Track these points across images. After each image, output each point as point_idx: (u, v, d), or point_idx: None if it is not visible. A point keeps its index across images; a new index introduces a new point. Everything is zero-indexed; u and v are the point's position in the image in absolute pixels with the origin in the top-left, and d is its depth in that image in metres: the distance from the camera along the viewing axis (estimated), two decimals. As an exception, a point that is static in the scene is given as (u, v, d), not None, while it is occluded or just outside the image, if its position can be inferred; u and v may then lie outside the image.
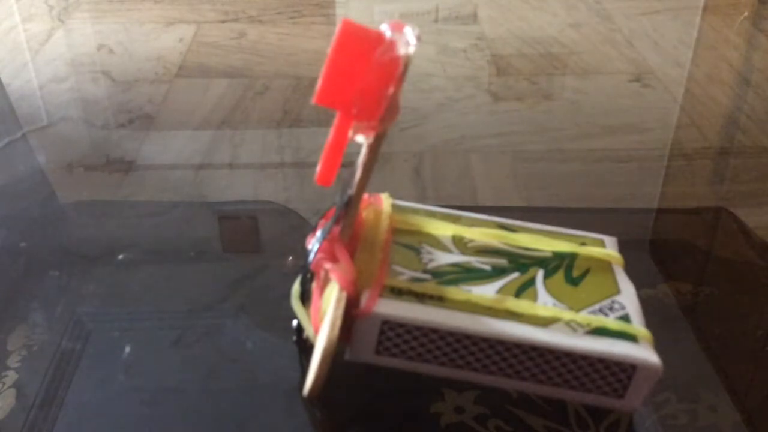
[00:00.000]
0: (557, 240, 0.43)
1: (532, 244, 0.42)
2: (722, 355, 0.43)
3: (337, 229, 0.38)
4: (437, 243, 0.41)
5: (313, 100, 0.32)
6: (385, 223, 0.41)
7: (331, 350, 0.35)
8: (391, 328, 0.36)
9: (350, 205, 0.37)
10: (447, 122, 0.66)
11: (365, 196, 0.41)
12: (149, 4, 0.90)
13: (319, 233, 0.38)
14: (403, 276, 0.38)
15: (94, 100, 0.70)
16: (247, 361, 0.42)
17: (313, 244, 0.38)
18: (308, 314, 0.39)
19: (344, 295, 0.36)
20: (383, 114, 0.33)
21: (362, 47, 0.32)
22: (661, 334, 0.38)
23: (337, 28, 0.32)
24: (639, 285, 0.41)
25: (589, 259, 0.42)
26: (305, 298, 0.39)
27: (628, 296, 0.40)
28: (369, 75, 0.32)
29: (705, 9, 0.90)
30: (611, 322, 0.37)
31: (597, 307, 0.38)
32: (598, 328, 0.37)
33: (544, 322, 0.37)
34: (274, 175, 0.59)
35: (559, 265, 0.41)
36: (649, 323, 0.38)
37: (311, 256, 0.37)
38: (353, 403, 0.40)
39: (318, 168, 0.34)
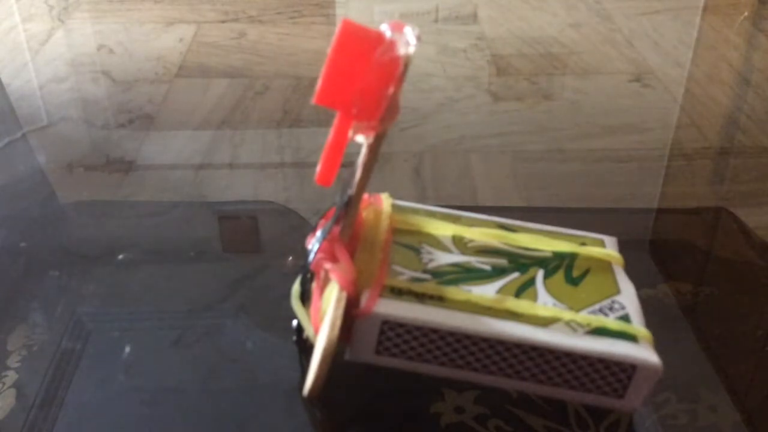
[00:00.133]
0: (557, 240, 0.43)
1: (532, 244, 0.42)
2: (722, 355, 0.43)
3: (337, 229, 0.38)
4: (437, 243, 0.41)
5: (313, 100, 0.32)
6: (385, 223, 0.41)
7: (331, 350, 0.35)
8: (391, 328, 0.36)
9: (350, 205, 0.37)
10: (447, 122, 0.66)
11: (365, 196, 0.41)
12: (149, 4, 0.90)
13: (319, 233, 0.38)
14: (403, 276, 0.38)
15: (94, 100, 0.70)
16: (247, 361, 0.42)
17: (313, 244, 0.38)
18: (308, 314, 0.39)
19: (344, 295, 0.36)
20: (383, 114, 0.33)
21: (362, 47, 0.32)
22: (661, 334, 0.38)
23: (337, 28, 0.32)
24: (639, 285, 0.41)
25: (589, 259, 0.42)
26: (305, 298, 0.39)
27: (628, 296, 0.40)
28: (369, 75, 0.32)
29: (705, 9, 0.90)
30: (611, 322, 0.37)
31: (597, 307, 0.38)
32: (598, 328, 0.37)
33: (544, 322, 0.37)
34: (274, 175, 0.59)
35: (559, 265, 0.41)
36: (649, 323, 0.38)
37: (311, 256, 0.37)
38: (353, 403, 0.40)
39: (318, 168, 0.34)
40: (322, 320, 0.37)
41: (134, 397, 0.40)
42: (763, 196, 0.58)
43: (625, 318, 0.38)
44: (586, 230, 0.44)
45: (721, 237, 0.55)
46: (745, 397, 0.41)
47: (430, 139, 0.64)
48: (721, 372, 0.42)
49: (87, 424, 0.38)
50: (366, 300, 0.36)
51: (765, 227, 0.54)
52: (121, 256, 0.49)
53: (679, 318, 0.46)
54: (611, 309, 0.38)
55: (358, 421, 0.39)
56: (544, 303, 0.38)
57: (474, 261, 0.40)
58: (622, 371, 0.36)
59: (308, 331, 0.39)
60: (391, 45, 0.32)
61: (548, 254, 0.42)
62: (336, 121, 0.33)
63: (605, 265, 0.42)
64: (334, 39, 0.31)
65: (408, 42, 0.32)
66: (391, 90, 0.32)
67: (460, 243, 0.42)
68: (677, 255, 0.52)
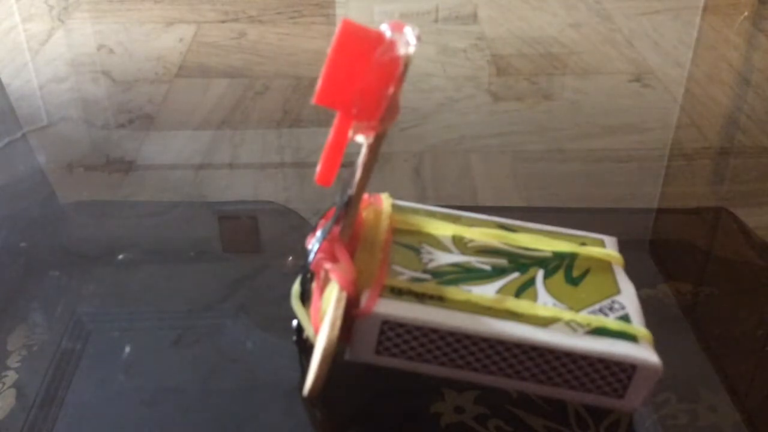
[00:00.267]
0: (557, 240, 0.43)
1: (532, 244, 0.42)
2: (722, 355, 0.43)
3: (337, 229, 0.38)
4: (437, 243, 0.41)
5: (313, 100, 0.32)
6: (385, 223, 0.41)
7: (331, 350, 0.35)
8: (391, 328, 0.36)
9: (350, 205, 0.37)
10: (447, 122, 0.66)
11: (365, 196, 0.41)
12: (149, 4, 0.90)
13: (319, 233, 0.38)
14: (403, 276, 0.38)
15: (94, 100, 0.70)
16: (247, 361, 0.42)
17: (313, 244, 0.38)
18: (308, 314, 0.39)
19: (344, 295, 0.36)
20: (383, 114, 0.33)
21: (362, 47, 0.32)
22: (661, 334, 0.38)
23: (337, 28, 0.32)
24: (639, 285, 0.41)
25: (589, 259, 0.42)
26: (305, 298, 0.39)
27: (628, 296, 0.40)
28: (369, 75, 0.32)
29: (705, 9, 0.90)
30: (611, 322, 0.37)
31: (597, 307, 0.38)
32: (598, 328, 0.37)
33: (544, 322, 0.37)
34: (274, 175, 0.59)
35: (559, 265, 0.41)
36: (649, 323, 0.38)
37: (311, 256, 0.37)
38: (353, 403, 0.40)
39: (318, 168, 0.34)
40: (322, 320, 0.37)
41: (134, 397, 0.40)
42: (763, 196, 0.58)
43: (625, 318, 0.38)
44: (586, 230, 0.44)
45: (721, 237, 0.55)
46: (745, 397, 0.41)
47: (430, 139, 0.64)
48: (721, 372, 0.42)
49: (87, 424, 0.38)
50: (366, 300, 0.36)
51: (765, 227, 0.54)
52: (121, 256, 0.49)
53: (679, 318, 0.46)
54: (611, 309, 0.38)
55: (358, 421, 0.39)
56: (544, 303, 0.38)
57: (474, 261, 0.40)
58: (622, 371, 0.36)
59: (308, 331, 0.39)
60: (391, 45, 0.32)
61: (548, 254, 0.42)
62: (336, 121, 0.33)
63: (605, 265, 0.42)
64: (334, 39, 0.31)
65: (408, 42, 0.32)
66: (391, 90, 0.32)
67: (460, 243, 0.42)
68: (677, 255, 0.52)
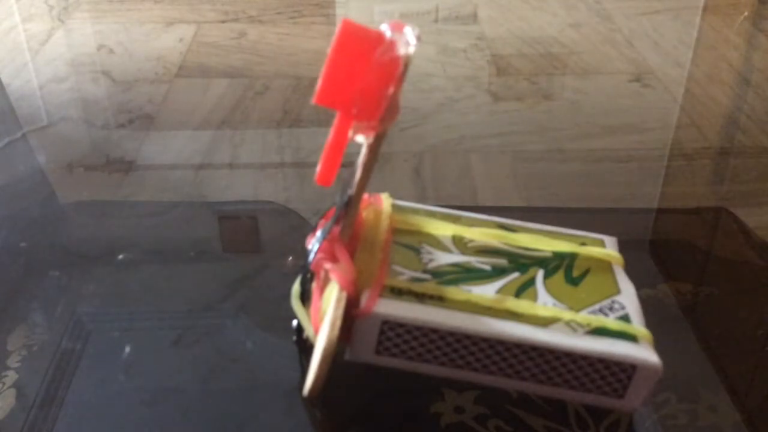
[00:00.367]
0: (557, 240, 0.43)
1: (532, 244, 0.42)
2: (722, 355, 0.43)
3: (337, 229, 0.38)
4: (437, 243, 0.41)
5: (313, 100, 0.32)
6: (385, 223, 0.41)
7: (331, 350, 0.35)
8: (391, 328, 0.36)
9: (350, 205, 0.37)
10: (447, 122, 0.66)
11: (365, 196, 0.41)
12: (149, 4, 0.90)
13: (319, 233, 0.38)
14: (403, 276, 0.38)
15: (94, 100, 0.70)
16: (247, 361, 0.42)
17: (313, 244, 0.38)
18: (308, 314, 0.39)
19: (344, 295, 0.36)
20: (383, 114, 0.33)
21: (362, 47, 0.32)
22: (661, 334, 0.38)
23: (337, 28, 0.32)
24: (639, 285, 0.41)
25: (589, 259, 0.42)
26: (305, 298, 0.39)
27: (628, 296, 0.40)
28: (369, 75, 0.32)
29: (705, 9, 0.90)
30: (611, 322, 0.37)
31: (597, 307, 0.38)
32: (598, 328, 0.37)
33: (544, 322, 0.37)
34: (274, 175, 0.59)
35: (559, 265, 0.41)
36: (649, 323, 0.38)
37: (311, 256, 0.37)
38: (353, 403, 0.40)
39: (318, 168, 0.34)
40: (322, 320, 0.37)
41: (134, 397, 0.40)
42: (763, 196, 0.58)
43: (625, 318, 0.38)
44: (586, 230, 0.44)
45: (721, 237, 0.55)
46: (745, 397, 0.41)
47: (430, 139, 0.64)
48: (721, 372, 0.42)
49: (87, 424, 0.38)
50: (366, 300, 0.36)
51: (765, 227, 0.54)
52: (121, 256, 0.49)
53: (679, 318, 0.46)
54: (611, 309, 0.38)
55: (358, 421, 0.39)
56: (544, 303, 0.38)
57: (474, 261, 0.40)
58: (622, 371, 0.36)
59: (308, 331, 0.39)
60: (391, 45, 0.32)
61: (548, 254, 0.42)
62: (336, 121, 0.33)
63: (605, 265, 0.42)
64: (334, 39, 0.31)
65: (408, 42, 0.32)
66: (391, 90, 0.32)
67: (460, 243, 0.42)
68: (677, 255, 0.52)
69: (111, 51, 0.79)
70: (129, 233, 0.53)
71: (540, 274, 0.40)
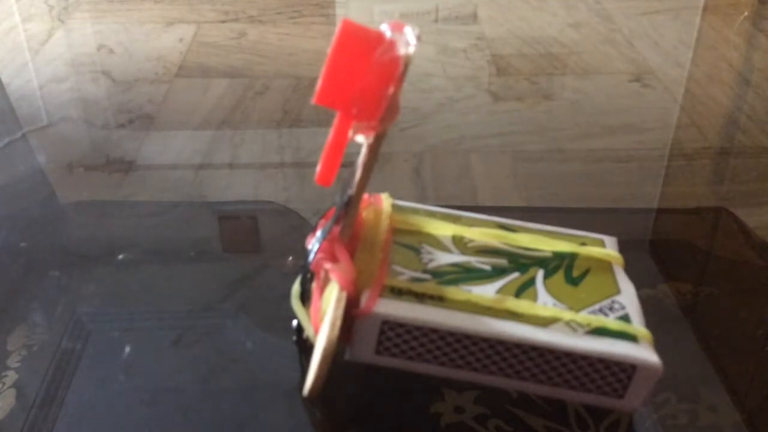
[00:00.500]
0: (557, 240, 0.43)
1: (532, 244, 0.42)
2: (722, 355, 0.43)
3: (337, 229, 0.38)
4: (437, 243, 0.41)
5: (313, 100, 0.32)
6: (385, 223, 0.41)
7: (331, 350, 0.35)
8: (391, 328, 0.36)
9: (350, 205, 0.37)
10: (447, 122, 0.66)
11: (365, 196, 0.41)
12: (149, 4, 0.90)
13: (319, 233, 0.38)
14: (403, 276, 0.38)
15: (94, 100, 0.70)
16: (247, 361, 0.42)
17: (313, 244, 0.38)
18: (308, 314, 0.39)
19: (344, 295, 0.36)
20: (383, 114, 0.33)
21: (362, 47, 0.32)
22: (661, 334, 0.38)
23: (337, 28, 0.32)
24: (639, 285, 0.41)
25: (589, 259, 0.42)
26: (305, 298, 0.39)
27: (628, 296, 0.40)
28: (369, 75, 0.32)
29: (705, 9, 0.90)
30: (611, 322, 0.37)
31: (597, 307, 0.38)
32: (598, 328, 0.37)
33: (544, 322, 0.37)
34: (274, 175, 0.59)
35: (559, 265, 0.41)
36: (649, 323, 0.38)
37: (311, 256, 0.37)
38: (353, 403, 0.40)
39: (318, 168, 0.34)
40: (322, 320, 0.37)
41: (134, 397, 0.40)
42: (763, 196, 0.58)
43: (625, 318, 0.38)
44: (586, 230, 0.44)
45: (721, 237, 0.55)
46: (745, 397, 0.41)
47: (430, 139, 0.64)
48: (721, 372, 0.42)
49: (87, 424, 0.38)
50: (366, 300, 0.36)
51: (765, 227, 0.54)
52: (121, 256, 0.49)
53: (679, 318, 0.46)
54: (611, 309, 0.38)
55: (358, 421, 0.39)
56: (544, 303, 0.38)
57: (474, 261, 0.40)
58: (622, 371, 0.36)
59: (308, 331, 0.39)
60: (391, 45, 0.32)
61: (548, 254, 0.42)
62: (336, 121, 0.33)
63: (605, 265, 0.42)
64: (334, 39, 0.31)
65: (408, 42, 0.32)
66: (391, 90, 0.32)
67: (460, 243, 0.42)
68: (677, 255, 0.52)
69: (111, 51, 0.79)
70: (129, 233, 0.53)
71: (540, 274, 0.40)
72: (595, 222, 0.51)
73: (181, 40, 0.81)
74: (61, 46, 0.80)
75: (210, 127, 0.66)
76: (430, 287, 0.38)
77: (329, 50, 0.32)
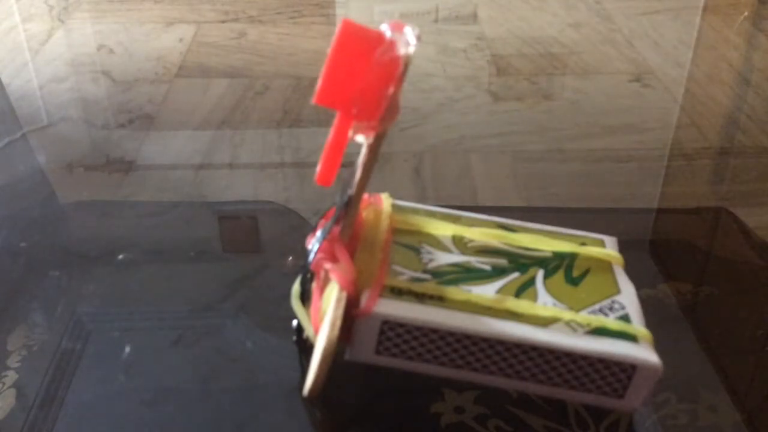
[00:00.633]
0: (557, 240, 0.43)
1: (532, 244, 0.42)
2: (722, 355, 0.43)
3: (337, 229, 0.38)
4: (437, 243, 0.41)
5: (313, 100, 0.32)
6: (385, 223, 0.41)
7: (331, 350, 0.35)
8: (391, 328, 0.36)
9: (350, 205, 0.37)
10: (447, 122, 0.66)
11: (365, 196, 0.41)
12: (149, 4, 0.90)
13: (319, 233, 0.38)
14: (403, 276, 0.38)
15: (94, 100, 0.70)
16: (247, 361, 0.42)
17: (313, 244, 0.38)
18: (308, 314, 0.39)
19: (344, 295, 0.36)
20: (383, 114, 0.33)
21: (362, 47, 0.32)
22: (661, 334, 0.38)
23: (337, 28, 0.32)
24: (639, 285, 0.41)
25: (589, 259, 0.42)
26: (305, 298, 0.39)
27: (628, 296, 0.40)
28: (369, 75, 0.32)
29: (705, 9, 0.90)
30: (611, 322, 0.37)
31: (597, 307, 0.38)
32: (598, 328, 0.37)
33: (544, 322, 0.37)
34: (274, 175, 0.59)
35: (559, 265, 0.41)
36: (649, 323, 0.38)
37: (311, 256, 0.37)
38: (353, 403, 0.40)
39: (318, 168, 0.34)
40: (322, 320, 0.37)
41: (134, 397, 0.40)
42: (763, 196, 0.58)
43: (625, 318, 0.38)
44: (586, 230, 0.44)
45: (721, 237, 0.55)
46: (745, 397, 0.41)
47: (430, 139, 0.64)
48: (721, 372, 0.42)
49: (87, 424, 0.38)
50: (366, 300, 0.36)
51: (765, 227, 0.54)
52: (121, 256, 0.49)
53: (679, 318, 0.46)
54: (611, 309, 0.38)
55: (358, 421, 0.39)
56: (544, 303, 0.38)
57: (474, 261, 0.40)
58: (622, 371, 0.36)
59: (308, 331, 0.39)
60: (391, 45, 0.32)
61: (548, 254, 0.42)
62: (336, 121, 0.33)
63: (605, 265, 0.42)
64: (334, 39, 0.31)
65: (408, 42, 0.32)
66: (391, 90, 0.32)
67: (460, 243, 0.42)
68: (677, 255, 0.52)
69: (111, 51, 0.79)
70: (129, 233, 0.53)
71: (540, 274, 0.40)
72: (595, 222, 0.51)
73: (181, 40, 0.81)
74: (61, 46, 0.80)
75: (210, 127, 0.66)
76: (430, 287, 0.38)
77: (329, 50, 0.32)
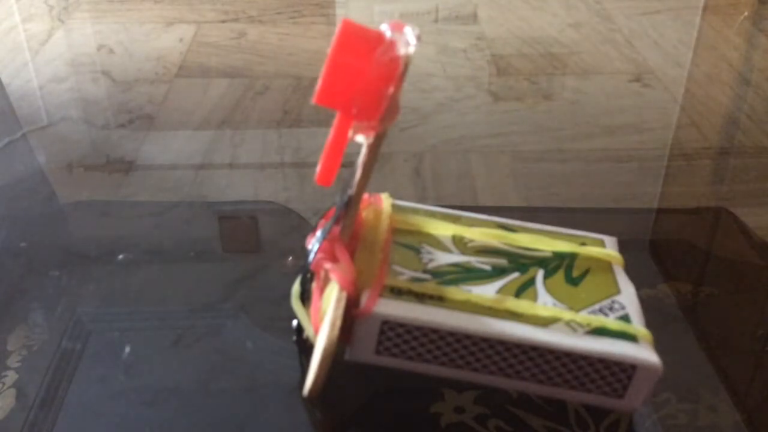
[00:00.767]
0: (557, 240, 0.43)
1: (532, 244, 0.42)
2: (722, 355, 0.43)
3: (337, 229, 0.38)
4: (437, 243, 0.41)
5: (313, 100, 0.32)
6: (385, 223, 0.41)
7: (331, 350, 0.35)
8: (391, 328, 0.36)
9: (350, 205, 0.37)
10: (447, 122, 0.66)
11: (365, 196, 0.41)
12: (149, 4, 0.90)
13: (319, 233, 0.38)
14: (403, 276, 0.38)
15: (94, 100, 0.70)
16: (247, 361, 0.42)
17: (313, 244, 0.38)
18: (308, 314, 0.39)
19: (344, 295, 0.36)
20: (383, 114, 0.33)
21: (362, 47, 0.32)
22: (661, 334, 0.38)
23: (337, 28, 0.32)
24: (639, 285, 0.41)
25: (589, 259, 0.42)
26: (305, 298, 0.39)
27: (628, 296, 0.40)
28: (369, 75, 0.32)
29: (705, 9, 0.90)
30: (611, 322, 0.37)
31: (597, 307, 0.38)
32: (598, 328, 0.37)
33: (544, 322, 0.37)
34: (274, 175, 0.59)
35: (559, 265, 0.41)
36: (649, 323, 0.38)
37: (311, 256, 0.37)
38: (353, 403, 0.40)
39: (318, 168, 0.34)
40: (322, 320, 0.37)
41: (134, 397, 0.40)
42: (763, 196, 0.58)
43: (625, 318, 0.38)
44: (586, 230, 0.44)
45: (721, 237, 0.55)
46: (745, 397, 0.41)
47: (430, 139, 0.64)
48: (721, 372, 0.42)
49: (87, 424, 0.38)
50: (366, 300, 0.36)
51: (765, 227, 0.54)
52: (121, 256, 0.49)
53: (679, 318, 0.46)
54: (611, 309, 0.38)
55: (358, 421, 0.39)
56: (544, 303, 0.38)
57: (474, 261, 0.40)
58: (622, 371, 0.36)
59: (308, 331, 0.39)
60: (391, 45, 0.32)
61: (548, 254, 0.42)
62: (336, 121, 0.33)
63: (605, 265, 0.42)
64: (334, 39, 0.31)
65: (408, 42, 0.32)
66: (391, 90, 0.32)
67: (460, 243, 0.42)
68: (677, 255, 0.52)
69: (111, 51, 0.79)
70: (129, 233, 0.53)
71: (540, 274, 0.40)
72: (595, 222, 0.51)
73: (181, 40, 0.81)
74: (61, 46, 0.80)
75: (210, 127, 0.66)
76: (430, 287, 0.38)
77: (329, 50, 0.32)
